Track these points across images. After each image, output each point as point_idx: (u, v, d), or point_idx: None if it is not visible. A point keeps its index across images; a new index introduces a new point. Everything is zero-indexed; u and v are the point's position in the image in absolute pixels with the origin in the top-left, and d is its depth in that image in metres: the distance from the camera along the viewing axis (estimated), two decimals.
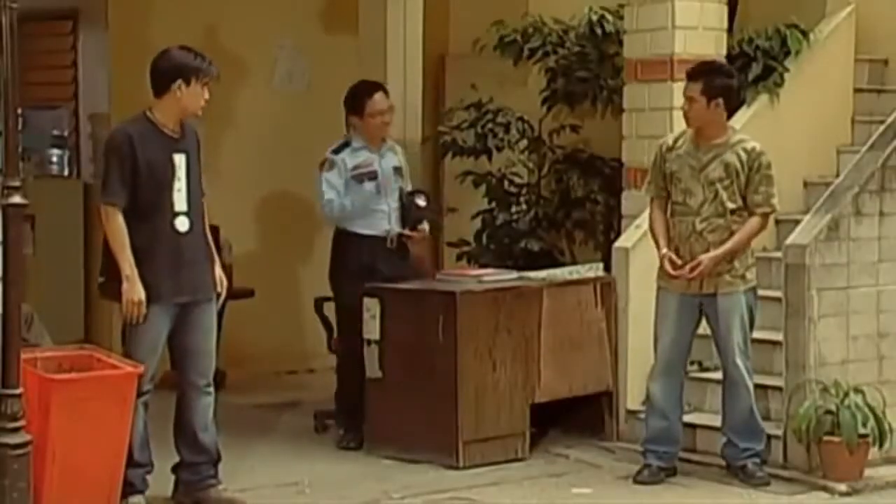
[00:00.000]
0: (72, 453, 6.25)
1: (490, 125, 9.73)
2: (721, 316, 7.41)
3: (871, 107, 9.10)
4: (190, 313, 6.78)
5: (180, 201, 6.71)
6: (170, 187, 6.70)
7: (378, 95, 8.36)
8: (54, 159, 11.26)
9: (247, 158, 10.07)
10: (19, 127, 6.60)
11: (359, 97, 8.36)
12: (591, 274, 8.40)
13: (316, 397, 9.29)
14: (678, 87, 8.15)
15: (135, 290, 6.57)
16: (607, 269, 8.46)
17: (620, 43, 8.89)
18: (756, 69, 8.73)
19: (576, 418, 8.42)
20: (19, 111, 6.42)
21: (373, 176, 8.26)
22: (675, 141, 7.60)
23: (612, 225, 9.31)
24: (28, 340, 7.26)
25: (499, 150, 9.70)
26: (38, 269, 9.74)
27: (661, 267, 7.47)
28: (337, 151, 8.33)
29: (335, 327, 8.63)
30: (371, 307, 7.97)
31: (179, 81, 6.69)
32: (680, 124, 8.17)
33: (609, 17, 9.23)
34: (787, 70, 8.77)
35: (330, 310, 8.64)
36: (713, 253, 7.33)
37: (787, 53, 8.83)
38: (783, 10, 9.06)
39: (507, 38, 9.53)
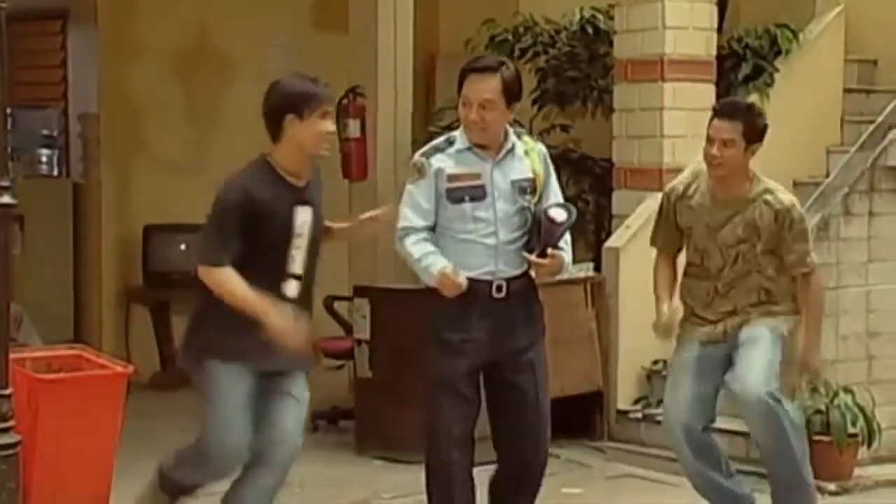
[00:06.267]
0: (61, 453, 6.25)
1: None
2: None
3: (860, 107, 9.11)
4: (275, 384, 5.71)
5: (295, 263, 5.59)
6: (286, 246, 5.57)
7: (475, 76, 5.91)
8: (44, 159, 11.26)
9: (238, 157, 9.98)
10: (8, 127, 6.59)
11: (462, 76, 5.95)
12: (582, 274, 8.38)
13: (312, 397, 9.26)
14: (668, 88, 8.18)
15: (279, 316, 5.40)
16: (598, 268, 8.46)
17: (611, 43, 8.89)
18: (746, 69, 8.75)
19: (566, 418, 8.40)
20: (8, 111, 6.42)
21: (478, 195, 5.68)
22: (687, 188, 6.25)
23: (603, 225, 9.31)
24: (17, 340, 7.26)
25: None
26: (27, 269, 9.72)
27: (656, 326, 6.27)
28: (429, 154, 5.77)
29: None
30: (361, 307, 7.95)
31: (291, 116, 5.54)
32: (670, 123, 8.17)
33: (600, 16, 9.24)
34: (776, 70, 8.78)
35: (342, 308, 8.53)
36: (814, 343, 6.21)
37: (777, 53, 8.85)
38: (773, 10, 9.08)
39: (498, 37, 9.53)
